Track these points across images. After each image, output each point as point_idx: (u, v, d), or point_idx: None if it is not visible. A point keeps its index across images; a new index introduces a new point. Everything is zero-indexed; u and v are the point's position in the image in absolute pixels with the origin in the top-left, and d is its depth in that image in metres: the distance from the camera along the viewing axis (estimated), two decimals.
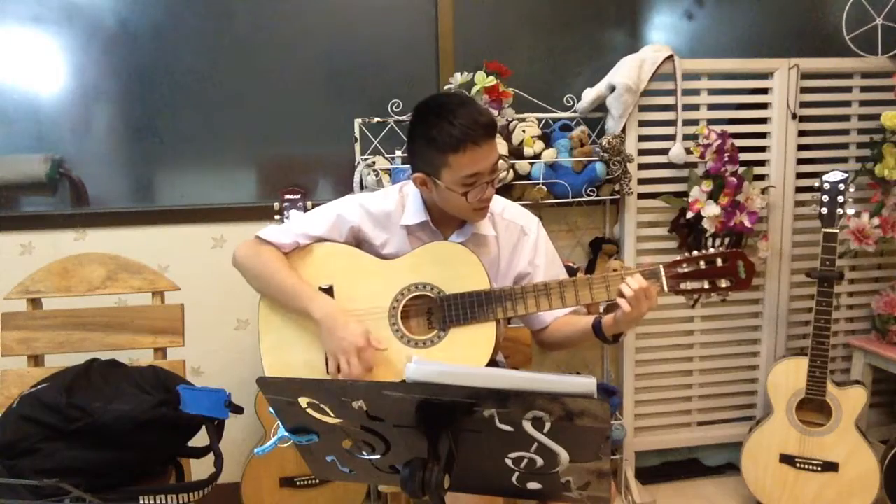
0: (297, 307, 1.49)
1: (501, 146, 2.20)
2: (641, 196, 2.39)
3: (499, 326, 1.51)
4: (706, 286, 1.46)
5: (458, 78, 2.22)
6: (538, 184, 2.22)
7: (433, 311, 1.53)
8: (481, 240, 1.58)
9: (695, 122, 2.38)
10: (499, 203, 1.63)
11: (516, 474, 0.99)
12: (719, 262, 1.46)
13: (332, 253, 1.55)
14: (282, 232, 1.55)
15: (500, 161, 1.47)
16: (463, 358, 1.46)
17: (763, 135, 2.46)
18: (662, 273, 1.46)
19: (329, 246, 1.56)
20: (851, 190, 2.14)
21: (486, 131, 1.39)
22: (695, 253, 1.47)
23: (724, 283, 1.46)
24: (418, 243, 1.55)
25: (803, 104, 2.44)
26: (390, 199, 1.58)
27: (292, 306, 1.50)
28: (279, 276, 1.50)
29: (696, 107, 2.40)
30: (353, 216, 1.56)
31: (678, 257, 1.48)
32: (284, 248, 1.54)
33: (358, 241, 1.58)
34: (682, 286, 1.46)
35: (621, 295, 1.41)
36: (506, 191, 2.19)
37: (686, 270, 1.46)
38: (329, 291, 1.51)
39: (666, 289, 1.46)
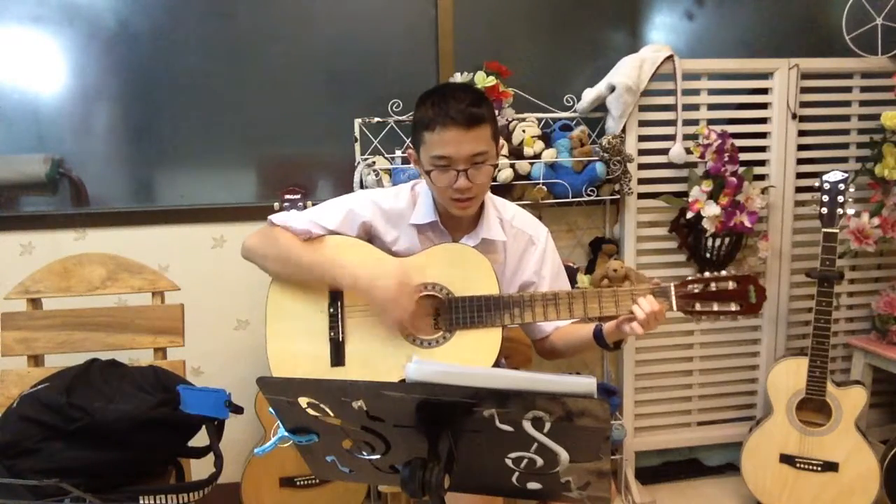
0: (325, 273, 1.48)
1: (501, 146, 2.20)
2: (641, 196, 2.39)
3: (504, 331, 1.51)
4: (715, 308, 1.45)
5: (458, 78, 2.22)
6: (538, 184, 2.22)
7: (440, 312, 1.53)
8: (490, 245, 1.58)
9: (695, 122, 2.38)
10: (509, 210, 1.64)
11: (516, 474, 0.99)
12: (731, 285, 1.45)
13: (344, 246, 1.55)
14: (294, 218, 1.56)
15: (491, 159, 1.46)
16: (467, 361, 1.46)
17: (763, 135, 2.45)
18: (673, 292, 1.46)
19: (341, 239, 1.56)
20: (851, 190, 2.14)
21: (461, 118, 1.39)
22: (706, 274, 1.47)
23: (733, 307, 1.45)
24: (428, 243, 1.55)
25: (803, 104, 2.44)
26: (402, 197, 1.58)
27: (321, 278, 1.49)
28: (300, 253, 1.50)
29: (696, 107, 2.40)
30: (366, 212, 1.56)
31: (689, 276, 1.48)
32: (297, 234, 1.54)
33: (369, 236, 1.59)
34: (692, 307, 1.46)
35: (632, 315, 1.42)
36: (506, 191, 2.19)
37: (696, 291, 1.46)
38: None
39: (675, 308, 1.46)
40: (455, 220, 1.56)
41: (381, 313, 1.47)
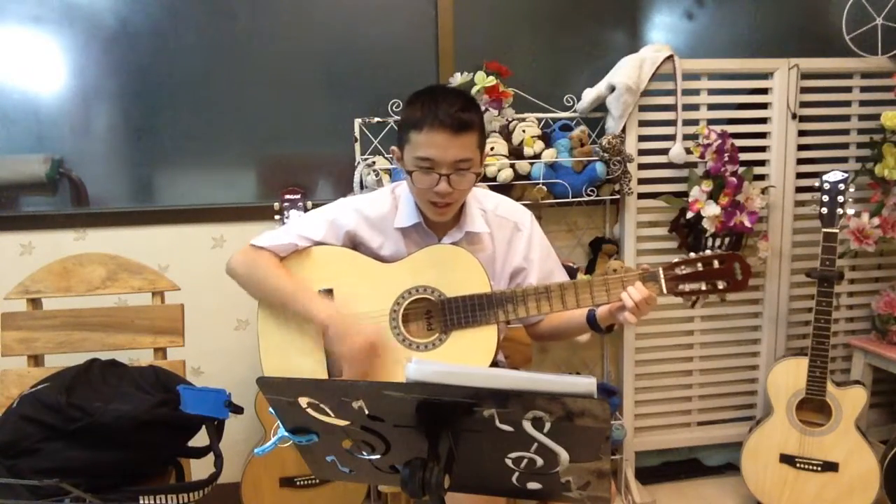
0: (298, 311, 1.48)
1: (501, 146, 2.20)
2: (641, 196, 2.39)
3: (499, 328, 1.51)
4: (703, 287, 1.48)
5: (458, 78, 2.22)
6: (538, 184, 2.22)
7: (433, 314, 1.53)
8: (475, 237, 1.58)
9: (695, 122, 2.38)
10: (491, 200, 1.63)
11: (516, 474, 0.99)
12: (716, 263, 1.47)
13: (332, 256, 1.55)
14: (277, 236, 1.55)
15: (475, 166, 1.45)
16: (465, 361, 1.46)
17: (763, 135, 2.46)
18: (661, 275, 1.47)
19: (328, 249, 1.56)
20: (851, 190, 2.14)
21: (450, 122, 1.38)
22: (692, 255, 1.49)
23: (721, 285, 1.48)
24: (414, 245, 1.55)
25: (803, 104, 2.44)
26: (384, 202, 1.58)
27: (293, 310, 1.49)
28: (277, 281, 1.49)
29: (696, 107, 2.40)
30: (349, 221, 1.56)
31: (676, 259, 1.49)
32: (281, 252, 1.54)
33: (355, 244, 1.58)
34: (681, 288, 1.48)
35: (623, 303, 1.42)
36: (506, 191, 2.19)
37: (684, 272, 1.48)
38: (329, 294, 1.51)
39: (665, 291, 1.47)
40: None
41: (344, 365, 1.46)
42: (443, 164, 1.41)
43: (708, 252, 1.49)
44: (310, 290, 1.50)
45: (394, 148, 1.53)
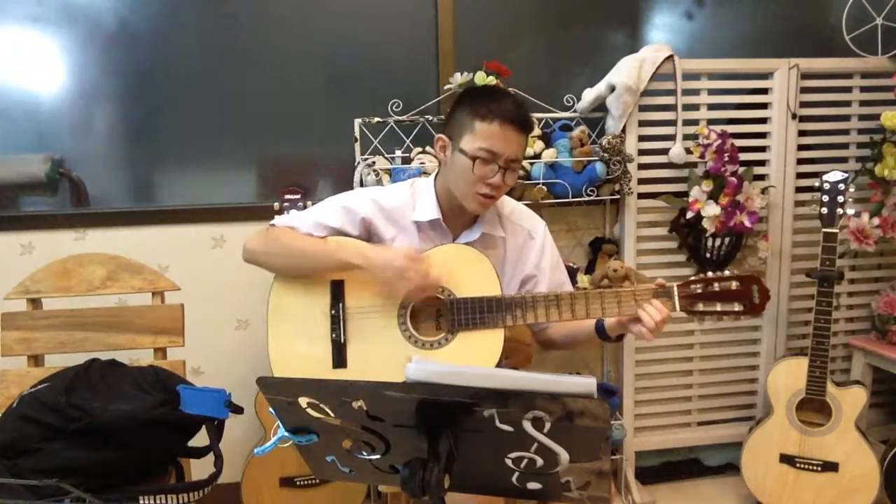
0: (336, 262, 1.49)
1: None
2: (641, 196, 2.39)
3: (506, 332, 1.51)
4: (718, 308, 1.45)
5: (458, 78, 2.22)
6: (538, 184, 2.22)
7: (442, 314, 1.53)
8: (490, 240, 1.58)
9: (695, 122, 2.38)
10: (507, 205, 1.64)
11: (516, 474, 0.99)
12: (734, 284, 1.45)
13: (346, 241, 1.55)
14: (295, 220, 1.56)
15: (520, 166, 1.49)
16: (470, 362, 1.46)
17: (763, 135, 2.46)
18: (676, 293, 1.46)
19: (342, 237, 1.56)
20: (851, 190, 2.14)
21: (518, 121, 1.45)
22: (710, 274, 1.46)
23: (737, 307, 1.45)
24: (427, 241, 1.55)
25: (803, 104, 2.43)
26: (402, 195, 1.58)
27: (329, 263, 1.50)
28: (306, 244, 1.51)
29: (696, 107, 2.40)
30: (365, 209, 1.56)
31: (692, 276, 1.47)
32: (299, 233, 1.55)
33: (369, 234, 1.58)
34: (695, 307, 1.45)
35: (638, 319, 1.43)
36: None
37: (699, 291, 1.45)
38: (340, 286, 1.51)
39: (678, 309, 1.45)
40: (456, 218, 1.56)
41: (394, 282, 1.45)
42: (502, 158, 1.44)
43: (727, 272, 1.46)
44: (336, 241, 1.51)
45: (441, 136, 1.53)
